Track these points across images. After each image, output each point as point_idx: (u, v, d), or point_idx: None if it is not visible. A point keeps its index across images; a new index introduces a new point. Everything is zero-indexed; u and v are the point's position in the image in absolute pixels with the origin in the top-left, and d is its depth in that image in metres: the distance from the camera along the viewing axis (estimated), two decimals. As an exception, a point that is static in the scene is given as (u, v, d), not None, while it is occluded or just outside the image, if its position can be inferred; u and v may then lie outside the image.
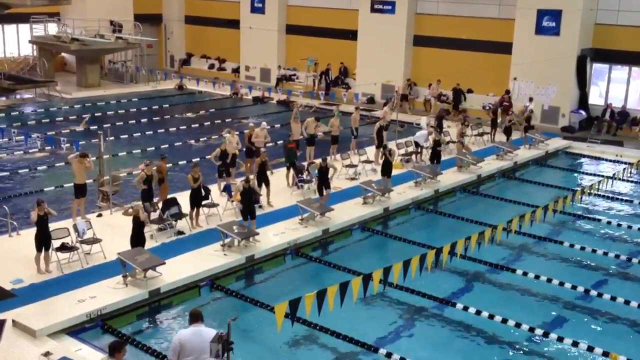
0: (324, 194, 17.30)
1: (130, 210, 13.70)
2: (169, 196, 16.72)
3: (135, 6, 38.45)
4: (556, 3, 27.39)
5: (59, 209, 16.67)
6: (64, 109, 30.20)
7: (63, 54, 37.69)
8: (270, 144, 21.60)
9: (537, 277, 14.28)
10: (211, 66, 40.06)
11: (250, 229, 15.20)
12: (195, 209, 16.06)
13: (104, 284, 12.89)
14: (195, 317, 8.82)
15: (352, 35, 33.53)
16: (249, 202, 15.57)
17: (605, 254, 15.74)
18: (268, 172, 17.79)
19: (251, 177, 17.25)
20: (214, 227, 15.43)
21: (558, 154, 25.36)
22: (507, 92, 28.15)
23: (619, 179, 20.76)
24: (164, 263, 13.43)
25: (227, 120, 28.06)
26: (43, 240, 13.26)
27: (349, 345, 11.57)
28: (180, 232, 15.57)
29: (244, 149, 19.97)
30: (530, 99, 27.55)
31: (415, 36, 32.12)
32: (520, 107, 27.52)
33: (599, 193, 19.67)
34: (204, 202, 16.41)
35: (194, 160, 20.44)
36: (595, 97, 28.81)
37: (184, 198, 16.59)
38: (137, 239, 13.73)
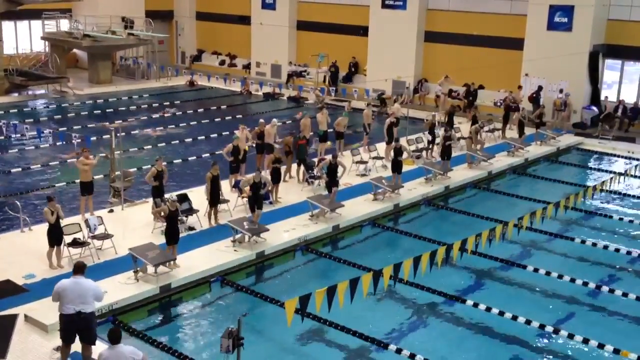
0: (332, 191, 17.29)
1: (163, 206, 13.72)
2: (180, 192, 16.76)
3: (147, 2, 38.58)
4: (568, -1, 27.25)
5: (69, 206, 16.86)
6: (76, 105, 30.35)
7: (75, 50, 37.85)
8: (279, 140, 21.58)
9: (548, 273, 14.24)
10: (222, 62, 40.13)
11: (260, 225, 15.23)
12: (213, 207, 16.05)
13: (115, 279, 12.96)
14: (78, 269, 10.02)
15: (362, 31, 33.47)
16: (257, 193, 15.64)
17: (617, 250, 15.69)
18: (282, 168, 17.81)
19: (263, 172, 17.29)
20: (224, 223, 15.49)
21: (570, 150, 25.24)
22: (540, 87, 27.90)
23: (631, 176, 20.63)
24: (175, 259, 13.51)
25: (237, 116, 28.12)
26: (55, 236, 13.33)
27: (359, 340, 11.59)
28: (191, 228, 15.62)
29: (254, 145, 20.00)
30: (561, 90, 27.38)
31: (426, 32, 32.01)
32: (556, 100, 27.36)
33: (611, 189, 19.57)
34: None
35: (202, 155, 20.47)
36: (608, 94, 28.60)
37: (195, 194, 16.65)
38: (172, 233, 13.72)
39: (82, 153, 16.22)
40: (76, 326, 9.95)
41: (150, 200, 16.48)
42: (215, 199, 15.90)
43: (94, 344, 10.14)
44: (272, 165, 17.59)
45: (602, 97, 28.08)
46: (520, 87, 28.18)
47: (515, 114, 25.47)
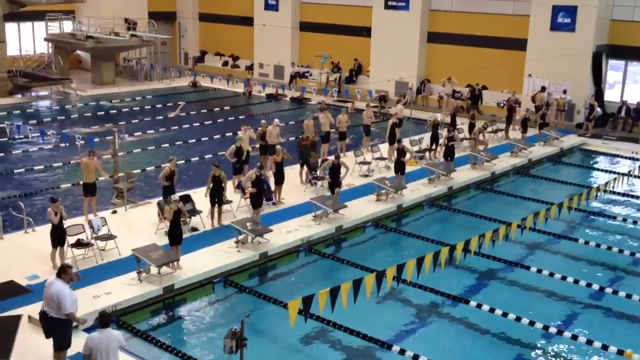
0: (335, 192, 17.29)
1: (170, 206, 13.72)
2: (183, 193, 16.76)
3: (150, 4, 38.63)
4: (571, -1, 27.23)
5: (73, 207, 16.87)
6: (79, 106, 30.40)
7: (78, 52, 37.92)
8: (283, 141, 21.61)
9: (551, 274, 14.22)
10: (225, 63, 40.16)
11: (263, 226, 15.23)
12: (214, 207, 16.07)
13: (119, 280, 12.98)
14: (57, 272, 10.12)
15: (365, 32, 33.48)
16: (260, 190, 15.65)
17: (621, 251, 15.65)
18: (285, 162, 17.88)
19: (268, 173, 17.31)
20: (227, 224, 15.49)
21: (573, 151, 25.21)
22: (543, 88, 27.91)
23: (635, 176, 20.60)
24: (178, 259, 13.51)
25: (240, 117, 28.13)
26: (58, 237, 13.33)
27: (362, 341, 11.58)
28: (194, 229, 15.62)
29: (258, 146, 20.02)
30: (565, 91, 27.38)
31: (429, 33, 32.00)
32: (559, 99, 27.38)
33: (614, 190, 19.54)
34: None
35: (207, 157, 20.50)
36: (611, 94, 28.54)
37: (198, 195, 16.65)
38: (176, 233, 13.72)
39: (89, 155, 16.19)
40: (44, 324, 10.12)
41: (154, 201, 16.51)
42: (215, 199, 15.91)
43: (58, 350, 10.18)
44: (275, 166, 17.60)
45: (582, 102, 27.86)
46: (543, 89, 27.99)
47: (520, 113, 25.45)
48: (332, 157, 17.92)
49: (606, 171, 22.71)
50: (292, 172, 19.27)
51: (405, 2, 31.81)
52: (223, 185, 15.99)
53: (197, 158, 22.23)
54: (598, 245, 15.90)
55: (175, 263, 13.44)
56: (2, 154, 22.24)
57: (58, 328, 10.05)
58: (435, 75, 31.64)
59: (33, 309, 11.72)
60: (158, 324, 12.49)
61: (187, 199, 16.09)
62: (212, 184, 15.79)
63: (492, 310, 12.61)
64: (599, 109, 27.56)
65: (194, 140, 24.59)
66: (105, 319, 9.21)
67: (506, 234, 14.17)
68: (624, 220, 17.90)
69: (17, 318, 11.57)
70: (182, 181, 19.27)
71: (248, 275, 14.27)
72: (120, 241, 14.32)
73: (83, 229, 14.27)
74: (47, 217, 13.38)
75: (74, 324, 10.22)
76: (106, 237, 14.37)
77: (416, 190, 19.04)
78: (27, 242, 14.71)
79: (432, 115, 24.98)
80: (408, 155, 19.56)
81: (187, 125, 26.97)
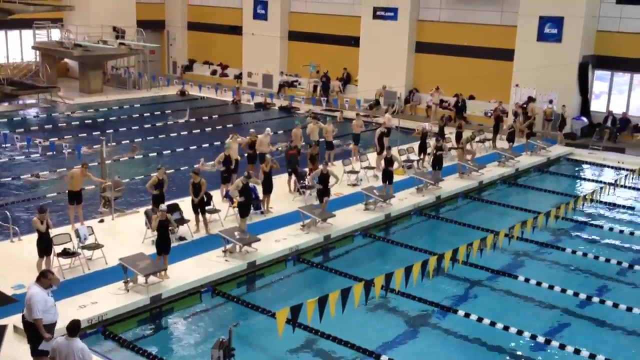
0: (323, 201, 17.29)
1: (157, 215, 13.66)
2: (171, 202, 16.72)
3: (138, 12, 38.61)
4: (558, 10, 27.43)
5: (60, 216, 16.78)
6: (67, 114, 30.27)
7: (66, 60, 37.80)
8: (272, 149, 21.58)
9: (538, 283, 14.27)
10: (213, 72, 40.16)
11: (251, 235, 15.20)
12: (198, 215, 16.04)
13: (105, 290, 12.90)
14: (38, 276, 10.20)
15: (354, 41, 33.59)
16: (248, 198, 15.63)
17: (607, 260, 15.72)
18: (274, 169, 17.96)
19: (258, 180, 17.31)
20: (215, 233, 15.45)
21: (560, 160, 25.36)
22: (530, 98, 28.09)
23: (621, 186, 20.74)
24: (166, 269, 13.45)
25: (228, 126, 28.11)
26: (45, 246, 13.21)
27: (350, 351, 11.56)
28: (181, 238, 15.57)
29: (246, 155, 19.98)
30: (550, 101, 27.57)
31: (417, 43, 32.18)
32: (546, 109, 27.56)
33: (601, 200, 19.65)
34: (206, 208, 16.38)
35: (195, 166, 20.43)
36: (597, 104, 28.76)
37: (186, 204, 16.60)
38: (164, 243, 13.64)
39: (82, 167, 16.08)
40: (24, 328, 10.29)
41: (141, 210, 16.43)
42: (195, 206, 15.87)
43: (33, 355, 10.14)
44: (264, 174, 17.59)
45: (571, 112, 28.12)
46: (530, 99, 28.14)
47: (507, 123, 25.57)
48: (321, 166, 17.92)
49: (593, 181, 22.86)
50: (281, 181, 19.27)
51: (393, 12, 31.98)
52: (205, 192, 15.93)
53: (185, 167, 22.15)
54: (585, 254, 15.99)
55: (163, 272, 13.39)
56: (-12, 163, 22.11)
57: (31, 332, 10.00)
58: (423, 85, 31.79)
59: (18, 319, 11.57)
60: (145, 334, 12.40)
61: (174, 208, 16.05)
62: (192, 191, 15.78)
63: (480, 319, 12.63)
64: (584, 119, 27.70)
65: (181, 149, 24.53)
66: (71, 327, 8.99)
67: (494, 243, 14.21)
68: (611, 229, 18.01)
69: (3, 328, 11.46)
70: (169, 190, 19.17)
71: (236, 285, 14.22)
72: (107, 250, 14.23)
73: (70, 238, 14.18)
74: (33, 226, 13.29)
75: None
76: (93, 246, 14.28)
77: (404, 200, 19.08)
78: (13, 251, 14.59)
79: (420, 124, 25.07)
80: (396, 165, 19.59)
81: (175, 134, 26.92)
